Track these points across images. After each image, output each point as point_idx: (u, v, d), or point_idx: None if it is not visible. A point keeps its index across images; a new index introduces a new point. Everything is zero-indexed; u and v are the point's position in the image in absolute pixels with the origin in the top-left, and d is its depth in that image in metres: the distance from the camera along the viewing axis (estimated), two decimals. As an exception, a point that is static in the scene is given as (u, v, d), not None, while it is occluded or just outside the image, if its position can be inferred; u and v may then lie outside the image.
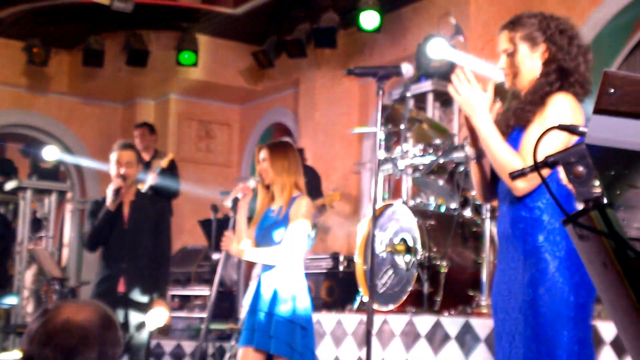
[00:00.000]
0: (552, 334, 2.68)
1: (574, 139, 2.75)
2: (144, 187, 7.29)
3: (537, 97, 2.83)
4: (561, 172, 2.72)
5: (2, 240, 7.44)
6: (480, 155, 2.95)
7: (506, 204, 2.88)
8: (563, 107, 2.78)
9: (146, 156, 8.30)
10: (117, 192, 5.15)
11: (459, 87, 2.85)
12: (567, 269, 2.72)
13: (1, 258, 7.50)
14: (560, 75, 2.85)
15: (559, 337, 2.68)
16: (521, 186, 2.75)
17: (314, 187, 8.17)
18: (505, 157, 2.75)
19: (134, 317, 5.02)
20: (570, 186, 2.76)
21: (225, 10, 9.53)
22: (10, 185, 9.62)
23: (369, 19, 8.52)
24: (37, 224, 10.25)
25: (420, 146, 5.97)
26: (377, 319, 5.36)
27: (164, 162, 7.94)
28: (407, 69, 3.00)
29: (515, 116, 2.86)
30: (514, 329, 2.79)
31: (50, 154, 10.46)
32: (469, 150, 2.95)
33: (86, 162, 11.14)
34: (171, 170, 8.23)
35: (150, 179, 7.70)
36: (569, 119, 2.74)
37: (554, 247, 2.74)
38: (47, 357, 1.94)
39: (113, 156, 5.28)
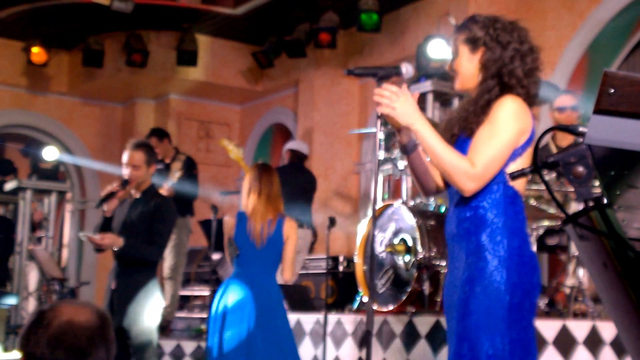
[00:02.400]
0: (484, 333, 2.68)
1: (523, 138, 2.78)
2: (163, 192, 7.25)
3: (479, 108, 2.83)
4: (506, 173, 2.76)
5: (8, 243, 7.51)
6: (406, 151, 2.96)
7: (453, 205, 2.90)
8: (508, 109, 2.78)
9: (166, 159, 8.32)
10: (107, 197, 5.11)
11: (388, 101, 2.80)
12: (506, 268, 2.71)
13: (6, 259, 7.57)
14: (497, 81, 2.86)
15: (490, 336, 2.67)
16: (469, 187, 2.74)
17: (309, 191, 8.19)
18: (451, 160, 2.74)
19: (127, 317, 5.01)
20: (515, 187, 2.80)
21: (225, 10, 9.53)
22: (10, 185, 9.62)
23: (369, 19, 8.53)
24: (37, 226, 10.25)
25: (420, 146, 5.96)
26: (377, 319, 5.36)
27: (174, 177, 7.95)
28: (407, 69, 3.00)
29: (459, 125, 2.88)
30: (453, 327, 2.80)
31: (50, 154, 10.46)
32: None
33: (86, 162, 11.14)
34: (189, 171, 8.25)
35: (166, 186, 7.72)
36: (514, 121, 2.75)
37: (495, 246, 2.74)
38: (60, 359, 1.95)
39: (124, 156, 5.21)
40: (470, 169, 2.72)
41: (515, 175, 2.12)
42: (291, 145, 8.37)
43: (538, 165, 1.82)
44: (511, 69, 2.84)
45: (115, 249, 5.04)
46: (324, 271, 6.53)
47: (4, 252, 7.58)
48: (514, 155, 2.79)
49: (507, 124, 2.75)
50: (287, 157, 8.23)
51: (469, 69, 2.92)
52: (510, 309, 2.69)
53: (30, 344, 1.98)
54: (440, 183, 3.02)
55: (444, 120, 3.00)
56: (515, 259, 2.72)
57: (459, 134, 2.88)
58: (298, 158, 8.26)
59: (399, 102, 2.80)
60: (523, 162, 2.82)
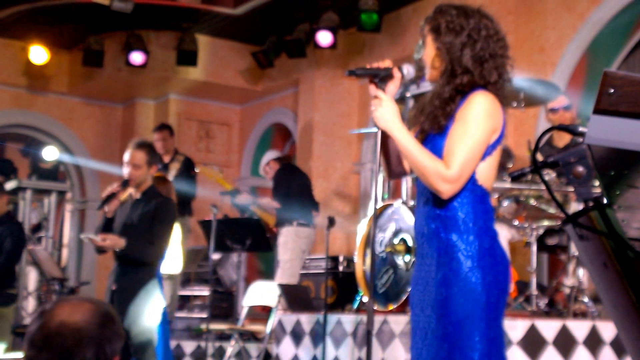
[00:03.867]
0: (464, 334, 2.68)
1: (494, 137, 2.76)
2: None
3: (443, 101, 2.80)
4: (478, 172, 2.75)
5: (20, 246, 7.53)
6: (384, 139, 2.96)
7: (422, 201, 2.87)
8: (480, 107, 2.75)
9: (166, 158, 8.33)
10: (108, 198, 5.10)
11: (373, 105, 2.85)
12: (480, 268, 2.70)
13: (16, 262, 7.60)
14: (451, 71, 2.81)
15: (470, 336, 2.67)
16: (445, 189, 2.72)
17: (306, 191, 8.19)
18: (426, 163, 2.73)
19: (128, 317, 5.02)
20: (484, 186, 2.79)
21: (225, 10, 9.53)
22: (10, 185, 9.62)
23: (369, 19, 8.53)
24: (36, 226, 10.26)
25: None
26: (377, 319, 5.36)
27: (171, 175, 7.97)
28: (409, 70, 2.99)
29: (429, 121, 2.84)
30: (427, 326, 2.78)
31: (50, 154, 10.47)
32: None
33: (86, 162, 11.14)
34: (187, 171, 8.27)
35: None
36: (486, 119, 2.73)
37: (467, 246, 2.73)
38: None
39: (125, 155, 5.20)
40: (445, 171, 2.70)
41: (515, 176, 2.11)
42: (272, 155, 8.31)
43: (538, 165, 1.82)
44: (458, 56, 2.79)
45: (117, 250, 5.04)
46: (324, 271, 6.54)
47: (16, 256, 7.60)
48: (484, 154, 2.77)
49: (479, 124, 2.72)
50: (276, 165, 8.17)
51: (431, 59, 2.89)
52: (487, 309, 2.69)
53: (26, 346, 1.99)
54: (408, 168, 3.00)
55: (414, 112, 2.96)
56: (488, 259, 2.72)
57: (429, 131, 2.86)
58: (286, 161, 8.31)
59: (380, 107, 2.85)
60: (492, 160, 2.81)
